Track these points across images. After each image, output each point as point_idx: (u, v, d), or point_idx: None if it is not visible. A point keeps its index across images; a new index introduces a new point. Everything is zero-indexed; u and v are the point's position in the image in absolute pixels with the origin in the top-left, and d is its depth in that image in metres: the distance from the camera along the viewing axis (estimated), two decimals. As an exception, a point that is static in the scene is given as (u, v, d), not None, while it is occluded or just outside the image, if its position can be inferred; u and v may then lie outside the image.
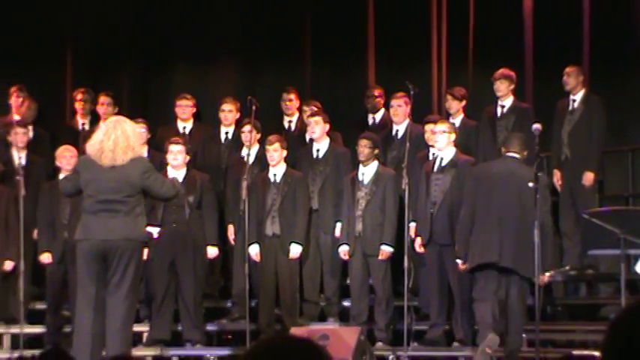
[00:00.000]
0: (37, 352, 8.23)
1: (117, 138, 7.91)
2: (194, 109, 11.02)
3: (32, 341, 9.96)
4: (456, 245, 9.06)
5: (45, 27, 11.94)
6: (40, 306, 10.29)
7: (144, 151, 8.28)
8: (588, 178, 9.98)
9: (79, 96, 11.23)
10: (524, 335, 9.60)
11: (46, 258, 10.09)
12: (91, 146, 8.03)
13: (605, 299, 10.25)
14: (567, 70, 10.19)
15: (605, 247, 8.90)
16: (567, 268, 10.11)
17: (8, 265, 9.99)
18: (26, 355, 9.11)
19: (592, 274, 10.19)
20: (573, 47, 10.85)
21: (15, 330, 9.96)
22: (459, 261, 9.03)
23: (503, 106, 10.32)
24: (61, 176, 9.99)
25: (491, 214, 8.75)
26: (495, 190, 8.79)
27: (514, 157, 8.91)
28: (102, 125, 8.45)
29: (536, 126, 8.97)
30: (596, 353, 2.17)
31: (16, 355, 9.36)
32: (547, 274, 8.72)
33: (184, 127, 10.94)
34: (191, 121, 10.99)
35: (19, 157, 10.33)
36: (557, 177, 10.13)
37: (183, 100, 10.97)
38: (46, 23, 11.96)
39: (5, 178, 10.20)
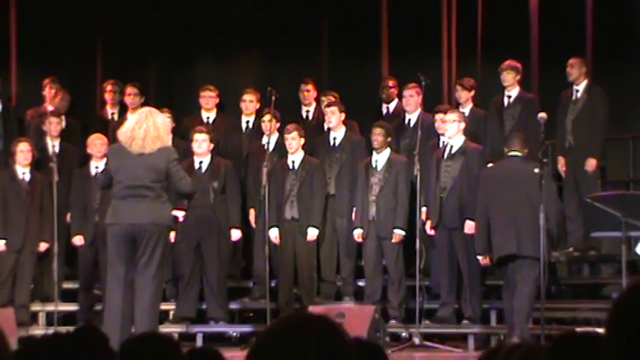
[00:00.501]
0: (70, 328, 8.28)
1: (148, 128, 7.93)
2: (217, 100, 10.94)
3: (66, 318, 9.99)
4: (475, 245, 9.17)
5: (76, 23, 11.90)
6: (73, 285, 10.28)
7: (169, 141, 8.31)
8: (591, 164, 9.95)
9: (109, 87, 11.20)
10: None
11: (78, 240, 10.10)
12: (123, 133, 8.05)
13: (607, 279, 10.23)
14: (571, 61, 10.14)
15: (606, 229, 8.95)
16: (571, 249, 10.11)
17: (43, 247, 9.98)
18: (61, 331, 9.16)
19: (594, 255, 10.19)
20: (577, 40, 10.81)
21: (50, 308, 9.99)
22: (479, 257, 9.14)
23: (509, 96, 10.28)
24: (92, 163, 10.11)
25: (504, 212, 8.86)
26: (504, 190, 8.89)
27: (516, 156, 8.99)
28: (134, 114, 8.47)
29: (542, 115, 9.02)
30: (599, 330, 2.21)
31: (51, 331, 9.43)
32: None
33: (208, 117, 10.88)
34: (214, 111, 10.92)
35: (52, 146, 10.32)
36: (561, 163, 10.11)
37: (206, 91, 10.92)
38: (77, 19, 11.91)
39: (40, 165, 10.19)
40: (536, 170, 8.78)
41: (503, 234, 8.87)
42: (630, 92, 10.84)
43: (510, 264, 8.91)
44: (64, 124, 10.67)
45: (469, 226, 9.46)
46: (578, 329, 2.52)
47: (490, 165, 9.50)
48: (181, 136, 10.38)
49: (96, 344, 2.55)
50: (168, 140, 8.23)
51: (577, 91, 10.17)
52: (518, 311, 8.77)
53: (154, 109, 8.33)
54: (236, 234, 10.09)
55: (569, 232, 10.16)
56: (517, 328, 8.75)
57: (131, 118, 8.31)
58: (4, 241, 9.96)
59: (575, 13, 10.90)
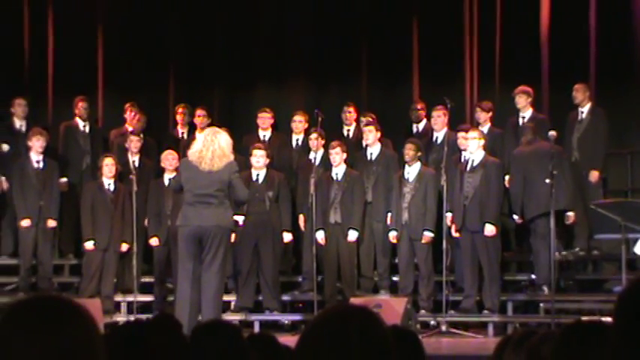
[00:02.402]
0: (148, 316, 8.34)
1: (214, 150, 7.96)
2: (272, 120, 10.93)
3: (143, 308, 10.00)
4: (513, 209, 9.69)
5: (151, 56, 11.99)
6: (150, 279, 10.29)
7: (232, 156, 8.33)
8: (594, 175, 9.90)
9: (180, 110, 11.23)
10: (541, 305, 9.62)
11: (154, 241, 10.14)
12: (192, 154, 8.08)
13: (608, 275, 10.11)
14: (576, 86, 10.10)
15: (608, 232, 8.90)
16: (577, 249, 10.05)
17: (124, 247, 10.05)
18: (140, 318, 9.19)
19: (597, 254, 10.10)
20: (582, 67, 10.74)
21: (130, 298, 10.04)
22: (516, 217, 9.59)
23: (524, 117, 10.23)
24: (165, 175, 10.15)
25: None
26: (533, 165, 9.47)
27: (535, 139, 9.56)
28: (201, 135, 8.45)
29: (552, 133, 8.98)
30: (603, 319, 2.20)
31: (131, 318, 9.47)
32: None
33: (264, 135, 10.86)
34: (270, 130, 10.92)
35: (132, 161, 10.41)
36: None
37: (263, 113, 10.91)
38: (152, 53, 12.01)
39: (122, 177, 10.23)
40: (548, 181, 8.74)
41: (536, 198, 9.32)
42: (628, 113, 10.74)
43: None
44: (142, 142, 10.72)
45: (489, 229, 9.43)
46: (584, 318, 2.50)
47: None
48: (241, 151, 10.40)
49: (171, 329, 2.58)
50: (231, 155, 8.25)
51: (582, 112, 10.11)
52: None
53: (217, 130, 8.34)
54: (287, 236, 10.09)
55: (575, 235, 10.10)
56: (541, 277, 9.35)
57: (198, 139, 8.30)
58: (92, 242, 10.03)
59: (581, 44, 10.83)
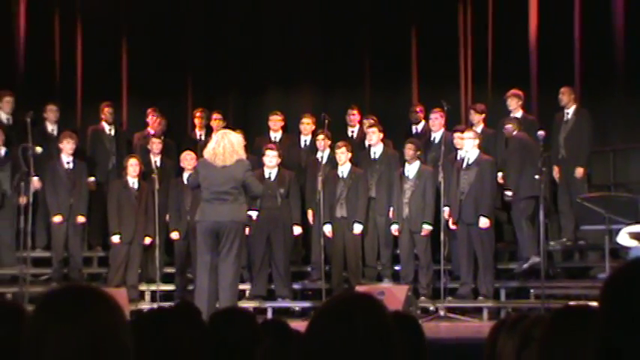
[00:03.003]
0: (170, 304, 8.33)
1: (225, 145, 8.00)
2: (282, 123, 10.91)
3: (165, 296, 10.02)
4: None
5: (171, 64, 11.99)
6: (171, 270, 10.31)
7: (244, 155, 8.35)
8: (579, 172, 9.86)
9: (197, 114, 11.19)
10: (531, 291, 9.61)
11: (174, 235, 10.14)
12: (207, 152, 8.13)
13: (593, 263, 10.11)
14: (562, 90, 10.06)
15: (593, 223, 8.89)
16: (564, 239, 10.03)
17: (147, 240, 10.05)
18: (163, 305, 9.18)
19: (583, 244, 10.08)
20: (568, 71, 10.71)
21: (153, 288, 10.06)
22: (509, 193, 9.60)
23: (514, 118, 10.25)
24: (185, 174, 10.12)
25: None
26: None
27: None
28: (214, 136, 8.51)
29: (541, 133, 8.97)
30: (590, 304, 2.19)
31: (155, 306, 9.48)
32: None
33: (275, 137, 10.83)
34: (280, 131, 10.90)
35: (154, 161, 10.43)
36: (556, 171, 10.03)
37: (274, 116, 10.90)
38: (172, 62, 12.01)
39: (145, 176, 10.23)
40: (537, 177, 8.73)
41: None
42: (611, 113, 10.71)
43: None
44: (163, 144, 10.71)
45: (483, 222, 9.41)
46: (571, 303, 2.50)
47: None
48: (253, 151, 10.40)
49: (191, 316, 2.58)
50: (243, 153, 8.26)
51: (567, 113, 10.07)
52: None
53: (227, 130, 8.45)
54: (297, 229, 10.08)
55: (562, 226, 10.08)
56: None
57: (212, 139, 8.35)
58: (118, 236, 10.04)
59: (567, 49, 10.80)
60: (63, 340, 1.68)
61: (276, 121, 10.90)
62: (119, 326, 1.75)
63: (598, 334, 1.77)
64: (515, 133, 9.71)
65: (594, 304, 1.95)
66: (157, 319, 2.53)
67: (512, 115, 10.19)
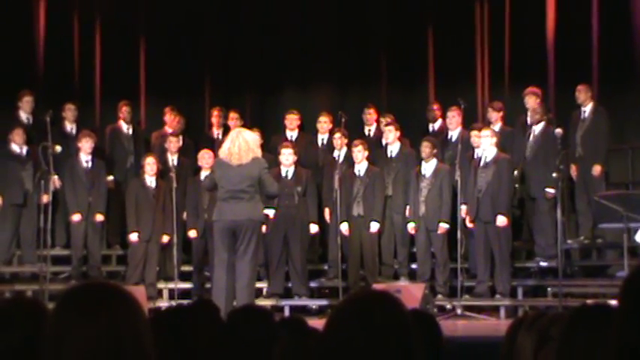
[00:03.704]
0: (187, 301, 8.35)
1: (240, 144, 8.00)
2: (299, 122, 10.92)
3: (183, 294, 10.03)
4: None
5: (189, 64, 12.00)
6: (189, 268, 10.33)
7: (260, 152, 8.35)
8: (597, 169, 9.81)
9: (215, 113, 11.20)
10: (549, 289, 9.57)
11: (192, 233, 10.17)
12: (223, 152, 8.15)
13: (611, 261, 10.06)
14: (579, 87, 10.01)
15: (610, 221, 8.85)
16: (582, 238, 9.97)
17: (165, 238, 10.08)
18: (182, 303, 9.20)
19: (601, 242, 10.03)
20: (585, 69, 10.65)
21: (171, 285, 10.09)
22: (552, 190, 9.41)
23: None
24: (202, 173, 10.13)
25: None
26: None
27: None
28: (228, 135, 8.49)
29: (558, 130, 8.94)
30: (609, 302, 2.18)
31: (173, 304, 9.46)
32: None
33: (291, 135, 10.85)
34: (296, 130, 10.91)
35: (172, 160, 10.46)
36: (573, 169, 9.97)
37: (291, 115, 10.91)
38: (190, 61, 12.03)
39: (163, 174, 10.26)
40: (554, 175, 8.70)
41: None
42: (629, 110, 10.64)
43: None
44: (180, 142, 10.75)
45: (500, 220, 9.39)
46: (589, 301, 2.49)
47: None
48: (269, 150, 10.41)
49: (210, 313, 2.59)
50: (258, 151, 8.27)
51: (584, 111, 10.01)
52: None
53: (242, 129, 8.48)
54: (314, 228, 10.09)
55: (580, 224, 10.03)
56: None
57: (227, 139, 8.35)
58: (136, 234, 10.07)
59: (585, 47, 10.74)
60: (84, 337, 1.69)
61: (292, 120, 10.91)
62: (139, 323, 1.76)
63: (617, 332, 1.76)
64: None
65: (613, 302, 1.95)
66: (176, 317, 2.54)
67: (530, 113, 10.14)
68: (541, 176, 9.60)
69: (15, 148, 10.39)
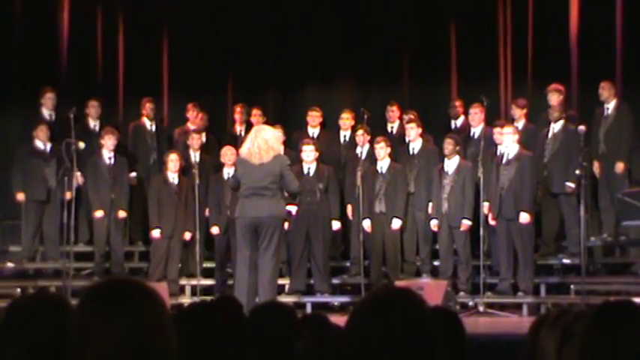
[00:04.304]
0: (210, 298, 8.38)
1: (259, 144, 7.99)
2: (321, 118, 10.91)
3: (205, 290, 10.03)
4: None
5: (212, 60, 12.01)
6: (211, 265, 10.34)
7: (281, 149, 8.34)
8: (620, 167, 9.74)
9: (238, 109, 11.22)
10: (572, 286, 9.52)
11: (214, 230, 10.17)
12: (242, 151, 8.19)
13: (635, 259, 9.99)
14: (602, 84, 9.94)
15: (634, 219, 8.77)
16: (605, 235, 9.91)
17: (188, 235, 10.11)
18: (205, 299, 9.22)
19: (624, 240, 9.97)
20: (608, 66, 10.57)
21: (193, 282, 10.11)
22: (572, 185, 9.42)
23: (555, 113, 10.15)
24: (225, 169, 10.18)
25: None
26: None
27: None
28: (248, 135, 8.45)
29: (581, 127, 8.88)
30: (632, 299, 2.15)
31: (195, 300, 9.45)
32: None
33: (313, 132, 10.84)
34: (318, 127, 10.90)
35: (194, 156, 10.48)
36: (596, 166, 9.91)
37: (313, 111, 10.91)
38: (213, 58, 12.03)
39: (185, 171, 10.29)
40: (577, 171, 8.65)
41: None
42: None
43: None
44: (203, 139, 10.77)
45: (523, 217, 9.35)
46: (612, 299, 2.48)
47: None
48: (291, 146, 10.40)
49: (233, 310, 2.60)
50: (279, 148, 8.28)
51: (607, 108, 9.94)
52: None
53: (261, 127, 8.46)
54: (336, 224, 10.09)
55: (603, 222, 9.97)
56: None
57: (247, 139, 8.33)
58: (159, 230, 10.11)
59: (608, 43, 10.66)
60: (108, 333, 1.70)
61: (314, 117, 10.91)
62: (163, 319, 1.77)
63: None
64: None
65: (636, 299, 1.94)
66: (199, 313, 2.56)
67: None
68: (562, 173, 9.55)
69: (39, 144, 10.47)
